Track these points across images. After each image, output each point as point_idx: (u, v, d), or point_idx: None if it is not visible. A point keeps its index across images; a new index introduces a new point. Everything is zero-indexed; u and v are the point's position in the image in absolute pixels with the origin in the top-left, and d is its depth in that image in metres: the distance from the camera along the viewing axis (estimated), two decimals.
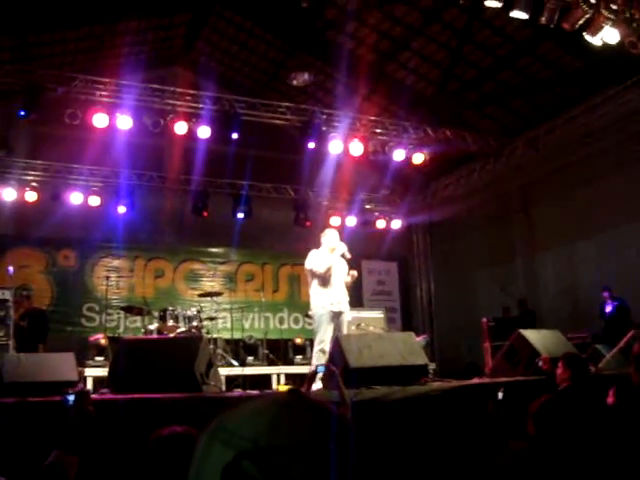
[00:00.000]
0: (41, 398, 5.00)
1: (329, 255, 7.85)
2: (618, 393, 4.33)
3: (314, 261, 7.84)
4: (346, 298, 7.90)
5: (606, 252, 12.26)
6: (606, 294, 11.41)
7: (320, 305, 7.78)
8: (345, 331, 7.87)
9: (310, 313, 8.42)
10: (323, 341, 7.62)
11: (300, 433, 0.79)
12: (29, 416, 4.66)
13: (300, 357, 12.46)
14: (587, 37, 7.99)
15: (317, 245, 8.13)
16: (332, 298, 7.75)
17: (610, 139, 11.58)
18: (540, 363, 6.49)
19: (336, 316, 7.74)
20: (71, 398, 3.06)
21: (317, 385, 7.19)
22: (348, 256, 7.96)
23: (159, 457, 1.93)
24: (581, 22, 7.89)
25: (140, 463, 1.93)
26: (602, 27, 7.82)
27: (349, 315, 8.20)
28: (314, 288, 7.90)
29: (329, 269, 7.79)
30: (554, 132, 12.31)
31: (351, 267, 8.13)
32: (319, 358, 7.56)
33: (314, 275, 7.88)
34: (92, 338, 11.49)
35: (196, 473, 0.81)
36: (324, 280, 7.81)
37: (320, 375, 7.19)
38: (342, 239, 8.10)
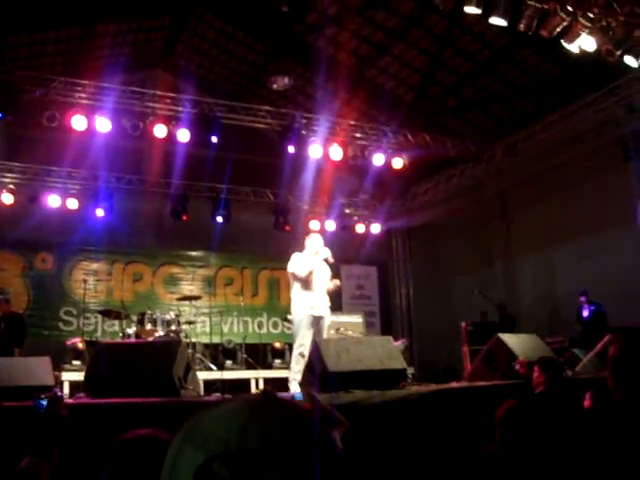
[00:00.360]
0: (16, 403, 4.94)
1: (311, 259, 7.84)
2: (595, 396, 4.37)
3: (296, 264, 7.82)
4: (327, 303, 7.87)
5: (584, 257, 12.37)
6: (583, 299, 11.53)
7: (300, 309, 7.76)
8: (325, 336, 7.85)
9: (289, 317, 8.40)
10: (302, 345, 7.60)
11: (272, 436, 0.79)
12: (3, 421, 4.60)
13: (279, 361, 12.44)
14: (565, 44, 8.07)
15: (297, 249, 8.12)
16: (313, 302, 7.73)
17: (587, 145, 11.71)
18: (517, 367, 6.52)
19: (316, 321, 7.72)
20: (44, 403, 3.02)
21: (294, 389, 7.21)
22: (331, 260, 7.95)
23: (123, 461, 1.91)
24: (559, 29, 7.97)
25: (104, 467, 1.92)
26: (579, 35, 7.91)
27: (328, 319, 8.17)
28: (295, 291, 7.89)
29: (310, 273, 7.77)
30: (533, 138, 12.42)
31: (333, 275, 8.13)
32: (298, 361, 7.56)
33: (295, 278, 7.86)
34: (69, 342, 11.39)
35: (168, 476, 0.81)
36: (306, 284, 7.79)
37: (298, 380, 7.20)
38: (324, 244, 8.09)
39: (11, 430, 4.32)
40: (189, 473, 0.77)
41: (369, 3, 11.99)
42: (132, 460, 1.88)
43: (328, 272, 8.03)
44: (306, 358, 7.32)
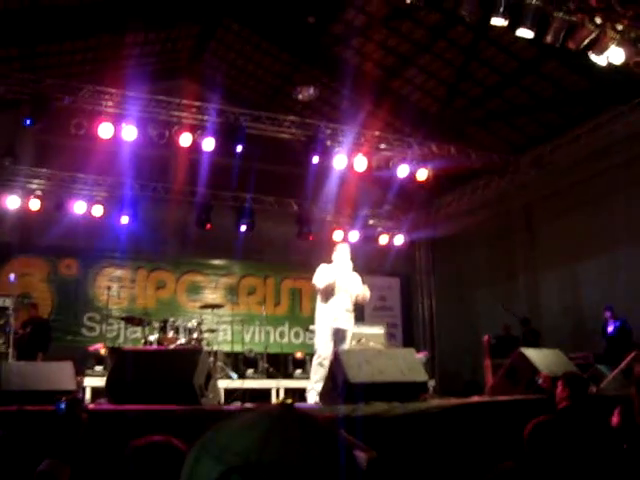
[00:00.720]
0: (39, 407, 4.98)
1: (335, 270, 7.81)
2: (623, 414, 4.29)
3: (317, 276, 7.82)
4: (349, 314, 7.79)
5: (609, 272, 12.22)
6: (608, 314, 11.37)
7: (321, 320, 7.75)
8: (346, 345, 7.81)
9: (312, 327, 8.38)
10: (320, 356, 7.61)
11: (292, 449, 0.78)
12: (25, 424, 4.63)
13: (300, 371, 12.42)
14: (592, 57, 8.00)
15: (320, 260, 8.11)
16: (334, 314, 7.70)
17: (615, 159, 11.59)
18: (540, 381, 6.43)
19: (337, 332, 7.69)
20: (63, 405, 3.03)
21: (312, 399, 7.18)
22: (345, 266, 7.88)
23: (136, 467, 1.91)
24: (586, 42, 7.91)
25: (118, 473, 1.92)
26: (607, 47, 7.84)
27: (351, 330, 8.10)
28: (318, 303, 7.90)
29: (329, 285, 7.73)
30: (559, 151, 12.32)
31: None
32: (317, 371, 7.55)
33: (317, 290, 7.87)
34: (92, 348, 11.47)
35: None
36: (326, 295, 7.78)
37: (318, 391, 7.17)
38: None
39: (33, 433, 4.35)
40: None
41: (395, 14, 11.99)
42: (145, 465, 1.88)
43: (357, 283, 7.93)
44: (325, 368, 7.32)
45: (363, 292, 7.88)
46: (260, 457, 0.76)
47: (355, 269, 8.00)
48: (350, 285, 7.87)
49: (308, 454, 0.78)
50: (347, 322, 7.76)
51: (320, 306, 7.82)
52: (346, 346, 7.76)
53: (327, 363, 7.51)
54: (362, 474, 0.83)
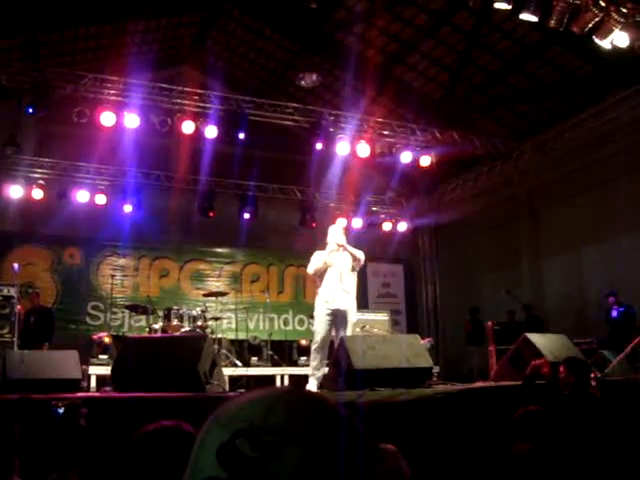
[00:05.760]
0: (44, 395, 4.99)
1: (323, 254, 7.78)
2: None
3: (311, 262, 7.84)
4: (346, 295, 7.64)
5: (613, 257, 12.19)
6: (612, 299, 11.36)
7: (317, 305, 7.73)
8: (349, 331, 7.76)
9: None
10: (317, 341, 7.59)
11: (296, 416, 0.80)
12: (32, 412, 4.64)
13: (304, 358, 12.41)
14: (597, 40, 7.95)
15: (324, 247, 8.09)
16: (328, 296, 7.65)
17: (619, 143, 11.53)
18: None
19: (335, 315, 7.63)
20: (60, 411, 2.95)
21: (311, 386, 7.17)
22: (339, 244, 7.75)
23: (147, 452, 1.90)
24: (590, 25, 7.85)
25: (129, 458, 1.91)
26: (612, 30, 7.78)
27: (354, 315, 8.01)
28: (318, 288, 7.89)
29: (318, 269, 7.72)
30: (563, 136, 12.27)
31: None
32: (314, 357, 7.54)
33: (310, 276, 7.90)
34: (96, 336, 11.49)
35: (195, 456, 0.82)
36: (321, 279, 7.76)
37: (318, 377, 7.17)
38: (348, 240, 7.98)
39: (39, 422, 4.35)
40: (213, 450, 0.78)
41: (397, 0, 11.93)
42: (156, 451, 1.88)
43: (347, 261, 7.78)
44: (323, 354, 7.35)
45: (354, 255, 7.75)
46: (265, 422, 0.78)
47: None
48: (344, 264, 7.75)
49: (312, 421, 0.80)
50: (344, 302, 7.60)
51: (318, 291, 7.82)
52: (349, 328, 7.67)
53: (326, 349, 7.51)
54: (364, 448, 0.84)
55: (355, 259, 7.76)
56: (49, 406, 3.32)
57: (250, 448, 0.76)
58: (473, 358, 13.37)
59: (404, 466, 2.38)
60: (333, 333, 7.59)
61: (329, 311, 7.59)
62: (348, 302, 7.67)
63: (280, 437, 0.77)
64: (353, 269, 7.79)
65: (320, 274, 7.72)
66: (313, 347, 7.62)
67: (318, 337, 7.59)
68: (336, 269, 7.71)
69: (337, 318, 7.60)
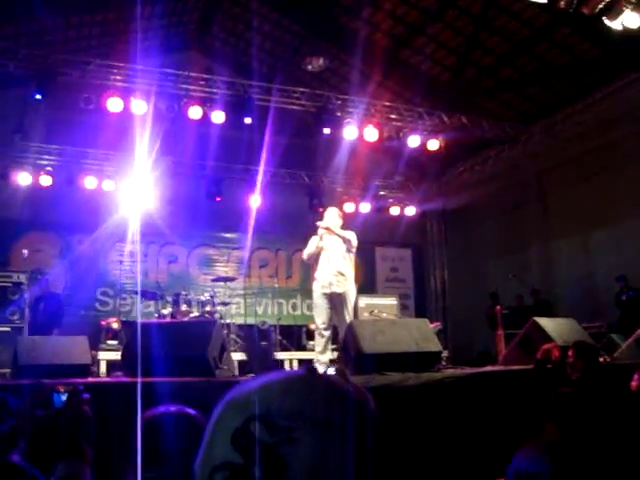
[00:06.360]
0: (55, 380, 5.02)
1: (316, 239, 7.80)
2: None
3: (306, 247, 7.90)
4: (341, 277, 7.64)
5: (622, 241, 12.14)
6: (621, 283, 11.33)
7: (315, 289, 7.77)
8: (349, 313, 7.65)
9: None
10: (318, 327, 7.63)
11: (311, 401, 0.80)
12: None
13: (313, 343, 12.43)
14: (607, 22, 7.87)
15: None
16: (324, 280, 7.67)
17: (629, 126, 11.45)
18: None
19: (332, 298, 7.63)
20: (62, 398, 2.88)
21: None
22: (323, 227, 7.78)
23: (151, 436, 1.90)
24: (601, 6, 7.77)
25: (131, 442, 1.91)
26: (622, 11, 7.70)
27: (354, 297, 7.93)
28: (314, 273, 7.93)
29: (311, 254, 7.78)
30: (571, 119, 12.18)
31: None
32: (318, 342, 7.60)
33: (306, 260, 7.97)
34: (104, 322, 11.54)
35: (209, 442, 0.83)
36: (315, 264, 7.80)
37: (324, 362, 7.19)
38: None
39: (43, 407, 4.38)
40: (228, 434, 0.79)
41: None
42: (159, 435, 1.88)
43: (342, 245, 7.78)
44: (326, 338, 7.40)
45: (343, 237, 7.74)
46: (281, 406, 0.79)
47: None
48: (338, 247, 7.76)
49: (327, 406, 0.80)
50: (340, 285, 7.61)
51: (314, 277, 7.85)
52: (349, 310, 7.66)
53: (327, 333, 7.55)
54: (374, 434, 0.84)
55: (345, 240, 7.77)
56: (52, 392, 3.28)
57: (264, 433, 0.76)
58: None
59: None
60: (335, 317, 7.62)
61: (326, 295, 7.61)
62: (345, 285, 7.65)
63: (295, 422, 0.77)
64: (348, 251, 7.78)
65: (315, 258, 7.75)
66: (316, 332, 7.69)
67: (319, 321, 7.64)
68: (330, 253, 7.70)
69: (335, 301, 7.60)
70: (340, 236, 7.76)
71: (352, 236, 7.84)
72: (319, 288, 7.66)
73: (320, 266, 7.71)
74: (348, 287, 7.69)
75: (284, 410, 0.78)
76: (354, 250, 7.86)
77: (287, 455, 0.75)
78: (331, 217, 7.93)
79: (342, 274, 7.65)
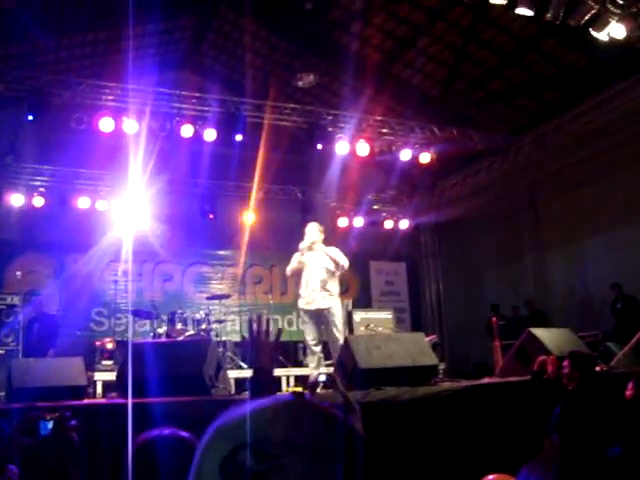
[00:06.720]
0: (50, 403, 4.99)
1: (297, 255, 7.78)
2: (637, 386, 4.29)
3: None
4: (325, 293, 7.60)
5: (615, 250, 12.18)
6: (616, 291, 11.35)
7: (300, 305, 7.74)
8: (337, 328, 7.59)
9: None
10: (309, 343, 7.61)
11: (299, 428, 0.80)
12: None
13: None
14: (593, 33, 7.94)
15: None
16: (308, 297, 7.63)
17: (618, 135, 11.52)
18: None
19: (317, 315, 7.59)
20: (48, 425, 2.79)
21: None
22: (303, 247, 7.76)
23: (143, 460, 1.89)
24: (587, 18, 7.84)
25: (125, 466, 1.90)
26: (608, 22, 7.77)
27: (341, 312, 7.87)
28: (300, 290, 7.90)
29: (294, 270, 7.75)
30: (561, 129, 12.25)
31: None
32: (311, 359, 7.58)
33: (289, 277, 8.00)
34: (98, 342, 11.48)
35: (198, 467, 0.82)
36: (299, 280, 7.77)
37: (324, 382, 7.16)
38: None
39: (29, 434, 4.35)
40: (216, 463, 0.78)
41: None
42: (152, 458, 1.87)
43: (325, 260, 7.73)
44: (317, 354, 7.39)
45: (336, 256, 7.67)
46: (269, 433, 0.78)
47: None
48: (321, 263, 7.70)
49: (315, 433, 0.80)
50: (324, 301, 7.57)
51: (300, 293, 7.82)
52: (338, 325, 7.59)
53: (318, 349, 7.53)
54: (363, 456, 0.84)
55: (337, 265, 7.71)
56: (38, 420, 3.19)
57: (253, 461, 0.76)
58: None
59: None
60: (325, 333, 7.59)
61: (311, 312, 7.58)
62: (329, 300, 7.62)
63: (283, 450, 0.76)
64: (335, 267, 7.72)
65: (298, 274, 7.72)
66: (308, 350, 7.68)
67: (308, 338, 7.61)
68: (313, 269, 7.65)
69: (322, 317, 7.56)
70: (332, 259, 7.71)
71: (337, 254, 7.78)
72: (304, 305, 7.64)
73: (304, 283, 7.68)
74: (333, 303, 7.64)
75: (273, 438, 0.77)
76: (346, 267, 7.82)
77: None
78: (311, 233, 7.88)
79: (326, 289, 7.60)
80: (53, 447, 2.52)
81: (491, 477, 2.35)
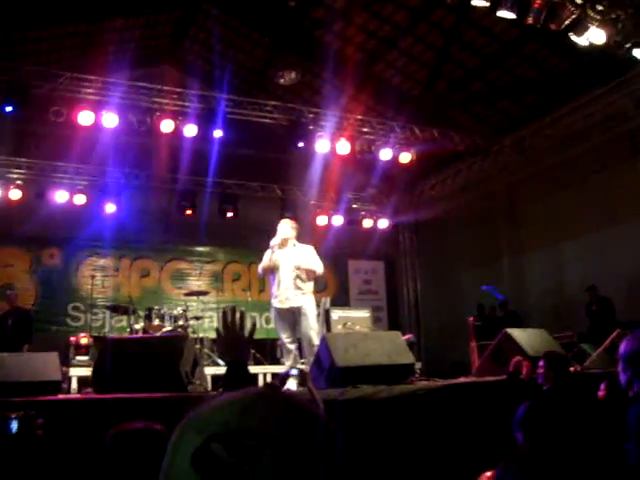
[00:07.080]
0: (24, 398, 4.94)
1: (268, 253, 7.71)
2: (609, 388, 4.34)
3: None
4: (297, 291, 7.54)
5: (591, 252, 12.30)
6: (591, 293, 11.46)
7: (272, 304, 7.69)
8: (310, 326, 7.55)
9: None
10: (284, 341, 7.60)
11: (271, 419, 0.79)
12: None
13: None
14: (573, 37, 8.01)
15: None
16: (279, 295, 7.59)
17: (595, 139, 11.63)
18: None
19: (290, 314, 7.56)
20: (14, 423, 2.75)
21: (291, 386, 7.14)
22: (277, 242, 7.66)
23: (115, 454, 1.89)
24: (567, 22, 7.91)
25: (99, 460, 1.89)
26: (588, 27, 7.85)
27: (314, 310, 7.80)
28: (272, 288, 7.87)
29: (265, 268, 7.69)
30: (541, 132, 12.34)
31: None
32: (287, 357, 7.59)
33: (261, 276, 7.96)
34: (73, 338, 11.38)
35: (169, 461, 0.82)
36: (272, 278, 7.72)
37: (295, 376, 7.15)
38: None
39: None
40: (188, 455, 0.77)
41: None
42: (124, 452, 1.86)
43: (298, 258, 7.63)
44: (292, 353, 7.39)
45: (308, 266, 7.58)
46: (240, 424, 0.78)
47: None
48: (293, 261, 7.61)
49: (287, 424, 0.80)
50: (296, 299, 7.51)
51: (272, 292, 7.78)
52: (310, 323, 7.55)
53: (293, 346, 7.52)
54: (339, 449, 0.84)
55: (311, 272, 7.63)
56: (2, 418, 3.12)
57: (225, 452, 0.75)
58: None
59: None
60: (298, 331, 7.58)
61: (284, 310, 7.55)
62: (302, 299, 7.56)
63: (256, 441, 0.76)
64: (306, 272, 7.63)
65: (270, 272, 7.67)
66: (283, 347, 7.67)
67: (283, 336, 7.58)
68: (285, 267, 7.61)
69: (295, 316, 7.54)
70: (306, 269, 7.63)
71: (312, 256, 7.70)
72: (277, 303, 7.60)
73: (276, 281, 7.62)
74: (305, 301, 7.59)
75: (245, 429, 0.77)
76: (319, 273, 7.75)
77: (249, 474, 0.74)
78: (284, 230, 7.82)
79: (298, 288, 7.57)
80: (19, 445, 2.48)
81: (489, 473, 2.37)
